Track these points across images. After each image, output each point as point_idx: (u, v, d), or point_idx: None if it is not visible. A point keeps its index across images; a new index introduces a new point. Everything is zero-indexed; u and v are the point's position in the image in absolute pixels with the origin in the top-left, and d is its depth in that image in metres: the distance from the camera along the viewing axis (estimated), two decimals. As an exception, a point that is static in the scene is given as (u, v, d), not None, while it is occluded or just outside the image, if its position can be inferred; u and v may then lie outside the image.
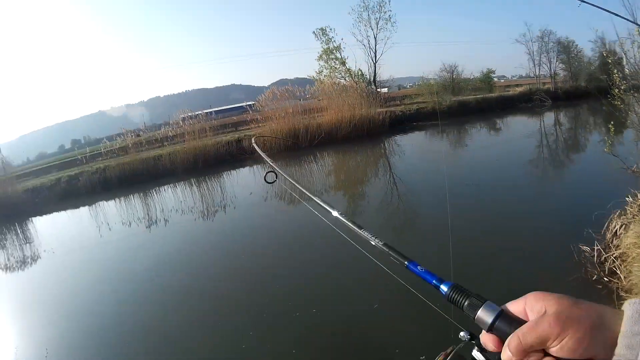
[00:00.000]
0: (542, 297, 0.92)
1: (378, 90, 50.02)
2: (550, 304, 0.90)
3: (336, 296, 8.51)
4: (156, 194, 27.02)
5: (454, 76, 52.47)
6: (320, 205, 2.01)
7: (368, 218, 13.67)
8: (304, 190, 2.36)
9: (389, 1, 50.21)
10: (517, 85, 52.91)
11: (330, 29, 49.63)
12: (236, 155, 31.55)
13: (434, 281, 1.19)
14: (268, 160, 3.68)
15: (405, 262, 1.32)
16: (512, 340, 0.91)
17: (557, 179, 16.08)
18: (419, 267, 1.27)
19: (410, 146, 29.57)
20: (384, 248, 1.42)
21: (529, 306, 0.93)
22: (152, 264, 12.98)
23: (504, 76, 73.47)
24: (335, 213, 1.86)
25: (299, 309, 7.96)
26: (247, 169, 29.31)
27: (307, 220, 12.43)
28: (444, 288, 1.13)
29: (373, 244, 1.49)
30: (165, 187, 27.80)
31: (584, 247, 7.73)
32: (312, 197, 2.17)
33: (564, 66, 51.40)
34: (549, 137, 26.36)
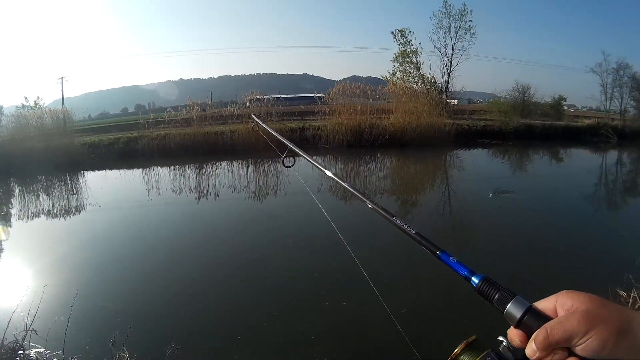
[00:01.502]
0: (574, 296, 0.92)
1: (448, 100, 49.60)
2: (581, 302, 0.89)
3: (370, 290, 8.33)
4: (212, 168, 27.24)
5: (525, 98, 51.32)
6: (355, 194, 1.77)
7: (417, 225, 13.35)
8: (334, 177, 2.05)
9: (471, 11, 49.33)
10: (585, 117, 50.09)
11: (410, 32, 49.38)
12: (298, 143, 30.54)
13: (465, 273, 1.15)
14: (284, 140, 3.14)
15: (437, 252, 1.24)
16: (539, 334, 0.89)
17: (608, 218, 15.43)
18: (451, 258, 1.21)
19: (471, 163, 28.99)
20: (416, 237, 1.33)
21: (559, 303, 0.92)
22: (194, 233, 13.16)
23: (574, 105, 70.83)
24: (370, 204, 1.64)
25: (326, 299, 8.00)
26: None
27: (347, 218, 12.88)
28: (475, 280, 1.10)
29: (405, 232, 1.37)
30: (222, 163, 28.05)
31: (621, 292, 7.34)
32: (342, 183, 1.90)
33: (635, 104, 48.57)
34: (608, 176, 25.43)
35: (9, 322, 5.23)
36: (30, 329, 5.34)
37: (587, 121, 44.39)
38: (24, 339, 5.33)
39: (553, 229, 12.95)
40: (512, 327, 0.97)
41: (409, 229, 1.36)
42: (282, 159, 3.03)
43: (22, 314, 5.54)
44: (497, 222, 13.66)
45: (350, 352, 6.52)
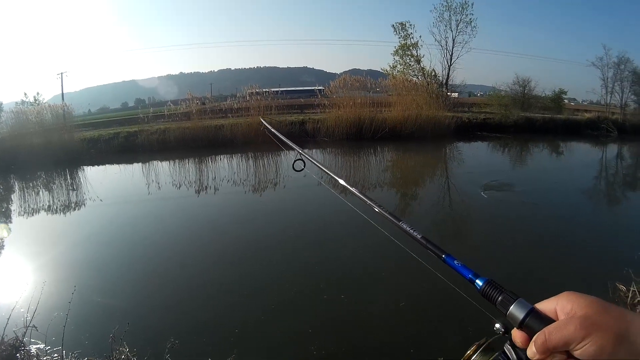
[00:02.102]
0: (574, 299, 0.92)
1: (448, 93, 49.53)
2: (580, 307, 0.90)
3: (369, 283, 8.49)
4: (211, 162, 27.28)
5: (525, 91, 50.81)
6: (360, 198, 1.88)
7: (415, 219, 13.56)
8: (343, 182, 2.15)
9: (472, 4, 49.07)
10: (585, 111, 50.34)
11: (410, 25, 49.06)
12: (298, 137, 30.86)
13: (469, 276, 1.20)
14: (294, 145, 3.29)
15: (443, 256, 1.31)
16: (538, 338, 0.92)
17: (607, 213, 15.35)
18: (455, 262, 1.27)
19: (471, 155, 28.90)
20: (422, 241, 1.41)
21: (559, 306, 0.93)
22: (193, 227, 13.21)
23: (574, 99, 70.32)
24: (376, 208, 1.73)
25: (325, 293, 8.09)
26: (305, 151, 28.65)
27: (346, 211, 12.44)
28: (479, 283, 1.14)
29: (412, 236, 1.46)
30: (222, 156, 28.02)
31: (620, 286, 7.39)
32: (351, 188, 2.01)
33: (636, 98, 48.19)
34: (608, 170, 25.31)
35: (8, 319, 5.28)
36: (30, 325, 5.37)
37: (587, 115, 44.31)
38: (24, 335, 5.36)
39: (551, 223, 12.91)
40: (515, 328, 0.99)
41: (415, 233, 1.44)
42: (292, 163, 3.16)
43: (22, 310, 5.59)
44: (496, 216, 13.64)
45: (347, 345, 6.53)
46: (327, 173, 2.42)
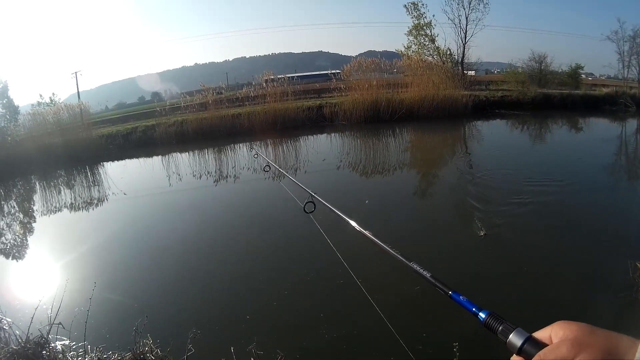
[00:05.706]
0: (566, 325, 1.02)
1: (465, 72, 49.01)
2: (571, 331, 1.00)
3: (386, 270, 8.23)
4: (230, 151, 27.38)
5: (542, 67, 50.40)
6: (373, 240, 2.03)
7: (436, 200, 13.94)
8: (354, 224, 2.36)
9: (483, -20, 48.20)
10: (603, 86, 48.21)
11: (422, 4, 48.49)
12: (315, 121, 31.74)
13: (473, 309, 1.31)
14: (303, 187, 3.61)
15: (449, 292, 1.46)
16: None
17: (628, 190, 14.89)
18: (461, 297, 1.40)
19: (489, 134, 28.46)
20: (431, 280, 1.55)
21: (554, 332, 1.04)
22: (212, 217, 13.43)
23: (592, 74, 68.69)
24: (390, 250, 1.87)
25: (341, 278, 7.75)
26: (324, 135, 29.33)
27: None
28: (482, 315, 1.26)
29: (422, 276, 1.61)
30: (241, 145, 28.09)
31: None
32: (364, 231, 2.20)
33: None
34: (628, 146, 24.62)
35: (32, 318, 5.33)
36: (55, 322, 5.46)
37: (605, 90, 43.27)
38: (48, 333, 5.44)
39: (570, 201, 12.70)
40: (514, 354, 1.10)
41: (425, 273, 1.60)
42: (303, 205, 3.35)
43: (44, 307, 5.64)
44: (517, 194, 13.07)
45: (357, 328, 6.64)
46: (339, 215, 2.54)
